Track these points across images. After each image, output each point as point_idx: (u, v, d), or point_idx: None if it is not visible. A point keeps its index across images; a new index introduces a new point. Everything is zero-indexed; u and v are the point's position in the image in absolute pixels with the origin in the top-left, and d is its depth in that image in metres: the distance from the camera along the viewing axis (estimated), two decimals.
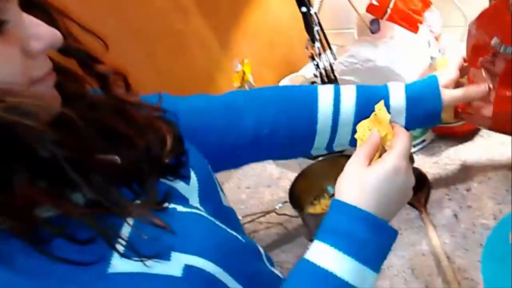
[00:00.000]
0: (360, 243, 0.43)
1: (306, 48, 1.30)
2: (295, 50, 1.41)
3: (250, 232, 0.94)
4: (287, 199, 0.93)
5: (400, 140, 0.48)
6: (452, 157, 0.80)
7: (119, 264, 0.37)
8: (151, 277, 0.37)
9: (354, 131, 0.54)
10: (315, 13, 1.22)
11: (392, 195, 0.46)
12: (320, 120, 0.63)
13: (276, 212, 0.92)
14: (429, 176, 0.79)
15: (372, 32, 0.90)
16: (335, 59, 1.28)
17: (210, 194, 0.55)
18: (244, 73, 1.15)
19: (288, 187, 0.89)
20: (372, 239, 0.44)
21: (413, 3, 0.78)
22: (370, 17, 0.94)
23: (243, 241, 0.52)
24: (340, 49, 1.40)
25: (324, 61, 1.27)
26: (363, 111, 0.56)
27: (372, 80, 0.85)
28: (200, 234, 0.45)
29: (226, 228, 0.49)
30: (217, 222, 0.49)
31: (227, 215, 0.58)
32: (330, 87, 0.66)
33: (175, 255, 0.40)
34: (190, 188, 0.50)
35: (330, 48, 1.26)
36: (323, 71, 1.29)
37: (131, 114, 0.47)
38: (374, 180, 0.45)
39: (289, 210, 0.91)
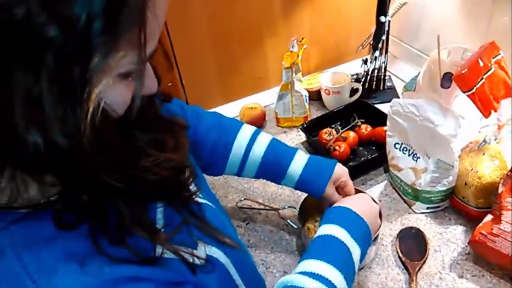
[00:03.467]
0: (352, 223, 0.64)
1: (362, 46, 1.26)
2: (349, 40, 1.36)
3: (246, 218, 0.97)
4: (293, 204, 0.97)
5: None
6: (457, 236, 0.84)
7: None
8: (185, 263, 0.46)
9: (258, 169, 0.79)
10: (389, 21, 1.16)
11: (365, 207, 0.68)
12: (233, 151, 0.78)
13: (279, 213, 0.95)
14: (429, 245, 0.83)
15: (442, 87, 0.88)
16: (385, 68, 1.26)
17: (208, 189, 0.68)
18: (297, 56, 1.10)
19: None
20: (358, 224, 0.65)
21: (498, 89, 0.76)
22: (445, 67, 0.91)
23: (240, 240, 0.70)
24: (392, 58, 1.37)
25: (376, 65, 1.23)
26: (269, 159, 0.77)
27: (417, 135, 0.85)
28: (213, 223, 0.54)
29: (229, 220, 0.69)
30: (223, 216, 0.64)
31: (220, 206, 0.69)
32: (252, 128, 0.81)
33: (200, 245, 0.50)
34: (201, 181, 0.62)
35: (386, 55, 1.22)
36: (368, 77, 1.26)
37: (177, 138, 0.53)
38: (356, 198, 0.73)
39: (291, 215, 0.94)
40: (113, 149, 0.38)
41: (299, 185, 0.77)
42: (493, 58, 0.77)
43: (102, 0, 0.31)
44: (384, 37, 1.18)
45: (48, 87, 0.31)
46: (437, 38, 0.82)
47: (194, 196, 0.53)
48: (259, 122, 1.22)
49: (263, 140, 0.79)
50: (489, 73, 0.74)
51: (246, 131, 0.80)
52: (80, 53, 0.32)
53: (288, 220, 0.92)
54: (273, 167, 0.78)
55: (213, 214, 0.58)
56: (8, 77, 0.31)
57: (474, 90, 0.73)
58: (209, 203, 0.61)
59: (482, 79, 0.73)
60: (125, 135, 0.41)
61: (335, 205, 0.70)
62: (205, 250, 0.51)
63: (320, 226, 0.66)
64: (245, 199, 1.00)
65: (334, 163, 0.76)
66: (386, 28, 1.17)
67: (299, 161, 0.76)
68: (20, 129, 0.32)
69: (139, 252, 0.42)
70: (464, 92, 0.74)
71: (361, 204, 0.69)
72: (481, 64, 0.73)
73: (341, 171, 0.76)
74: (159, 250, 0.44)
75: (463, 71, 0.73)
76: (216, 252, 0.54)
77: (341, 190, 0.77)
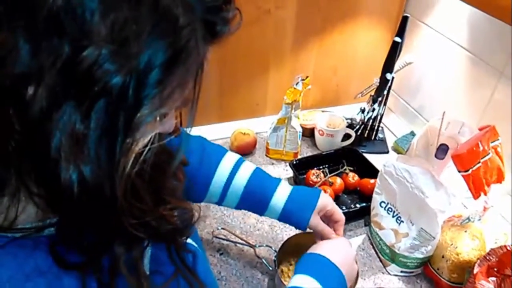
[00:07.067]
0: (326, 274, 0.64)
1: (361, 94, 1.28)
2: (350, 85, 1.38)
3: (221, 248, 0.95)
4: (270, 242, 0.96)
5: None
6: None
7: None
8: None
9: (240, 200, 0.77)
10: (393, 77, 1.18)
11: (342, 254, 0.69)
12: (215, 178, 0.76)
13: (255, 250, 0.94)
14: None
15: (436, 157, 0.90)
16: (380, 120, 1.28)
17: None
18: (300, 94, 1.10)
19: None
20: (333, 275, 0.65)
21: (491, 174, 0.78)
22: (442, 139, 0.93)
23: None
24: (387, 111, 1.39)
25: (372, 114, 1.25)
26: (252, 189, 0.76)
27: (405, 200, 0.86)
28: (200, 272, 0.51)
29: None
30: (204, 258, 0.61)
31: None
32: (236, 157, 0.79)
33: None
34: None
35: (384, 107, 1.24)
36: (362, 125, 1.28)
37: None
38: (337, 245, 0.71)
39: (266, 254, 0.93)
40: (142, 197, 0.38)
41: (282, 218, 0.77)
42: (492, 142, 0.79)
43: (164, 54, 0.32)
44: (385, 92, 1.20)
45: (94, 130, 0.31)
46: (442, 114, 0.83)
47: (187, 239, 0.51)
48: (249, 149, 1.22)
49: (247, 169, 0.78)
50: (486, 157, 0.76)
51: (230, 158, 0.79)
52: (132, 102, 0.32)
53: (263, 260, 0.91)
54: (255, 197, 0.77)
55: (198, 258, 0.57)
56: (56, 111, 0.30)
57: (470, 171, 0.75)
58: (193, 243, 0.59)
59: (479, 162, 0.75)
60: (155, 184, 0.40)
61: (312, 250, 0.69)
62: None
63: (295, 272, 0.65)
64: (222, 228, 0.98)
65: (318, 193, 0.77)
66: (389, 84, 1.19)
67: (283, 192, 0.76)
68: (54, 164, 0.32)
69: None
70: (459, 172, 0.76)
71: (338, 250, 0.69)
72: (481, 148, 0.75)
73: (325, 200, 0.76)
74: None
75: (462, 152, 0.75)
76: None
77: (328, 218, 0.77)
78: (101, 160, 0.32)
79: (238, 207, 0.80)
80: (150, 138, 0.36)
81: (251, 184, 0.77)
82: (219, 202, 0.80)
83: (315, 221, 0.75)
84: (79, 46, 0.29)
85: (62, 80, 0.30)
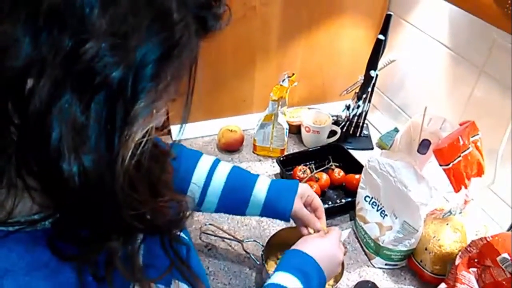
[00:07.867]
0: (309, 275, 0.65)
1: (346, 91, 1.30)
2: (335, 82, 1.39)
3: (209, 244, 0.96)
4: (257, 237, 0.97)
5: (336, 230, 0.75)
6: None
7: None
8: None
9: (220, 199, 0.76)
10: (377, 75, 1.21)
11: (328, 255, 0.69)
12: (194, 179, 0.77)
13: (242, 245, 0.94)
14: None
15: (419, 152, 0.92)
16: (365, 117, 1.30)
17: None
18: (286, 91, 1.11)
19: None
20: (314, 275, 0.65)
21: (471, 168, 0.80)
22: (424, 134, 0.95)
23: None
24: (371, 108, 1.41)
25: (357, 112, 1.27)
26: (232, 185, 0.77)
27: (389, 194, 0.88)
28: (193, 265, 0.52)
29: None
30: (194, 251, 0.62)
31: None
32: (212, 158, 0.80)
33: (175, 283, 0.49)
34: None
35: (368, 104, 1.26)
36: (348, 122, 1.30)
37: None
38: (321, 242, 0.70)
39: (254, 249, 0.94)
40: (140, 189, 0.39)
41: (265, 208, 0.77)
42: (472, 137, 0.81)
43: (159, 49, 0.33)
44: (369, 89, 1.22)
45: (94, 121, 0.32)
46: (424, 110, 0.85)
47: (181, 232, 0.52)
48: (236, 146, 1.22)
49: (224, 168, 0.79)
50: (466, 152, 0.78)
51: (206, 160, 0.80)
52: (130, 95, 0.32)
53: (251, 254, 0.92)
54: (236, 193, 0.77)
55: (190, 251, 0.57)
56: (57, 102, 0.31)
57: (450, 165, 0.77)
58: (184, 236, 0.60)
59: (459, 156, 0.77)
60: (152, 176, 0.41)
61: (298, 247, 0.69)
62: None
63: (277, 269, 0.66)
64: (210, 224, 0.99)
65: (296, 181, 0.79)
66: (373, 82, 1.21)
67: (263, 182, 0.78)
68: (55, 156, 0.32)
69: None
70: (440, 166, 0.78)
71: (324, 250, 0.70)
72: (461, 142, 0.78)
73: (304, 187, 0.78)
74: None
75: (443, 146, 0.77)
76: None
77: (309, 206, 0.79)
78: (101, 151, 0.33)
79: (218, 208, 0.79)
80: (148, 130, 0.37)
81: (231, 180, 0.78)
82: (198, 205, 0.79)
83: (299, 205, 0.76)
84: (80, 39, 0.30)
85: (63, 72, 0.30)
